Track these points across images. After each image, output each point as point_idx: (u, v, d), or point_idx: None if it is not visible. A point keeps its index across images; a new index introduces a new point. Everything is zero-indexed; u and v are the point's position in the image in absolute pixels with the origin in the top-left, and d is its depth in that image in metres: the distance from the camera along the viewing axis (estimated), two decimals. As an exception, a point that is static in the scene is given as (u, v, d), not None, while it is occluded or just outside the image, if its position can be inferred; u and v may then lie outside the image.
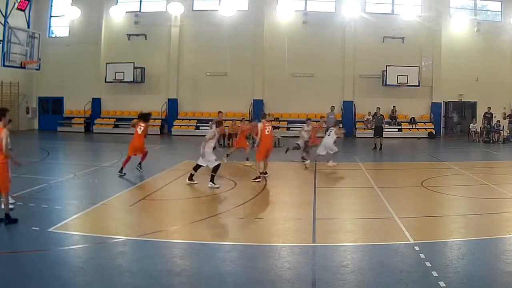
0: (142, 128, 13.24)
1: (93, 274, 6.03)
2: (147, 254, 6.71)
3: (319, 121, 19.06)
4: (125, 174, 12.77)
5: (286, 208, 9.88)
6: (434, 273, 5.89)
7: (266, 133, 12.66)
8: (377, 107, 22.82)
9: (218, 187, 11.26)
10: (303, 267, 6.33)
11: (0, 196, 8.18)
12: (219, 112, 17.13)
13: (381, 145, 20.50)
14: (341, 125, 17.06)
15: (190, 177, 11.71)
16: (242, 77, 27.22)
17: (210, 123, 16.36)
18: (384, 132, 21.40)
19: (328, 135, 15.44)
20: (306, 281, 5.87)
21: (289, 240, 7.50)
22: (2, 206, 8.23)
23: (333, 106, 25.03)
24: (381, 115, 22.14)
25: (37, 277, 5.82)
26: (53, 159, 17.07)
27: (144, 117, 13.57)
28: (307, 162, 15.04)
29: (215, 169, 11.48)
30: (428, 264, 6.19)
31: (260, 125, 12.74)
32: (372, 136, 21.33)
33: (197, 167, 11.72)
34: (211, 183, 11.32)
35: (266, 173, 12.91)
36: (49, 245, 7.05)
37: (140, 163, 13.31)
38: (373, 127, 21.40)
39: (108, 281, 5.82)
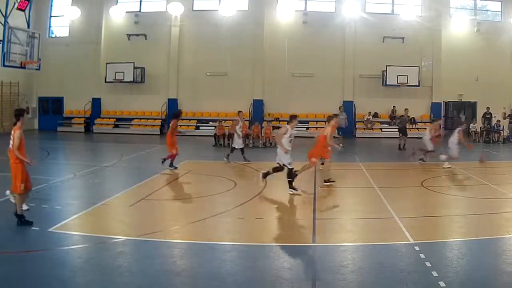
0: (170, 125, 14.47)
1: (93, 274, 6.03)
2: (147, 254, 6.71)
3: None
4: (176, 167, 13.97)
5: (286, 208, 9.89)
6: (434, 273, 5.89)
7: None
8: (406, 108, 22.58)
9: (299, 193, 10.67)
10: (303, 267, 6.34)
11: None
12: (239, 111, 17.13)
13: (404, 144, 20.51)
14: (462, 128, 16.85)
15: (290, 184, 10.86)
16: (242, 77, 27.20)
17: (233, 122, 16.46)
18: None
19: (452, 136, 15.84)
20: (306, 281, 5.88)
21: (289, 240, 7.51)
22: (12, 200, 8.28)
23: (341, 106, 25.00)
24: (407, 116, 22.17)
25: (37, 277, 5.82)
26: (53, 159, 17.07)
27: (173, 114, 14.98)
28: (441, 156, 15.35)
29: (290, 173, 10.78)
30: (428, 264, 6.20)
31: (328, 129, 12.19)
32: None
33: (277, 169, 11.06)
34: (290, 189, 10.73)
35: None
36: (49, 245, 7.06)
37: (164, 159, 14.03)
38: (398, 127, 21.44)
39: (108, 281, 5.82)
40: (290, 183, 10.79)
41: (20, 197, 7.94)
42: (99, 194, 10.67)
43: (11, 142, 7.89)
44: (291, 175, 10.79)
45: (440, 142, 16.60)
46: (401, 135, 20.77)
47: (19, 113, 8.07)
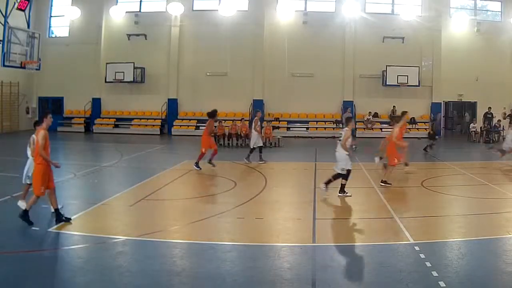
0: (206, 124, 14.75)
1: (93, 274, 6.03)
2: (147, 254, 6.72)
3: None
4: (200, 168, 13.97)
5: (286, 208, 9.88)
6: (434, 273, 5.89)
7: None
8: (438, 112, 22.70)
9: (350, 196, 10.51)
10: (303, 267, 6.33)
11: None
12: (257, 111, 17.10)
13: (430, 145, 20.31)
14: None
15: (342, 189, 10.66)
16: (242, 77, 27.21)
17: (254, 121, 16.35)
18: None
19: None
20: (306, 281, 5.87)
21: (289, 240, 7.50)
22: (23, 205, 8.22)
23: (348, 108, 24.97)
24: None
25: (37, 277, 5.82)
26: (53, 159, 16.99)
27: (208, 114, 15.11)
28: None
29: (345, 176, 10.52)
30: (428, 264, 6.20)
31: (397, 129, 12.20)
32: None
33: (336, 176, 10.69)
34: (340, 193, 10.54)
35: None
36: (49, 245, 7.06)
37: (210, 160, 14.33)
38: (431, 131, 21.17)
39: (108, 281, 5.82)
40: (342, 186, 10.53)
41: (37, 198, 7.92)
42: (99, 194, 10.67)
43: (34, 143, 7.90)
44: (345, 176, 10.54)
45: None
46: (430, 139, 20.57)
47: (43, 115, 8.14)
